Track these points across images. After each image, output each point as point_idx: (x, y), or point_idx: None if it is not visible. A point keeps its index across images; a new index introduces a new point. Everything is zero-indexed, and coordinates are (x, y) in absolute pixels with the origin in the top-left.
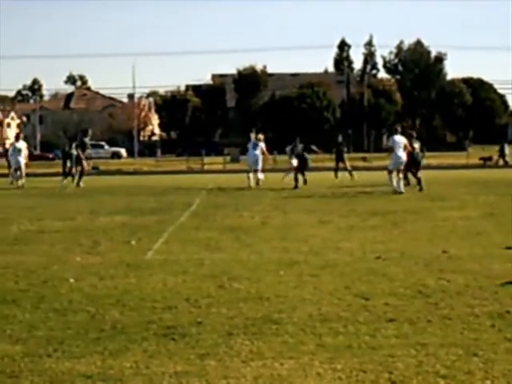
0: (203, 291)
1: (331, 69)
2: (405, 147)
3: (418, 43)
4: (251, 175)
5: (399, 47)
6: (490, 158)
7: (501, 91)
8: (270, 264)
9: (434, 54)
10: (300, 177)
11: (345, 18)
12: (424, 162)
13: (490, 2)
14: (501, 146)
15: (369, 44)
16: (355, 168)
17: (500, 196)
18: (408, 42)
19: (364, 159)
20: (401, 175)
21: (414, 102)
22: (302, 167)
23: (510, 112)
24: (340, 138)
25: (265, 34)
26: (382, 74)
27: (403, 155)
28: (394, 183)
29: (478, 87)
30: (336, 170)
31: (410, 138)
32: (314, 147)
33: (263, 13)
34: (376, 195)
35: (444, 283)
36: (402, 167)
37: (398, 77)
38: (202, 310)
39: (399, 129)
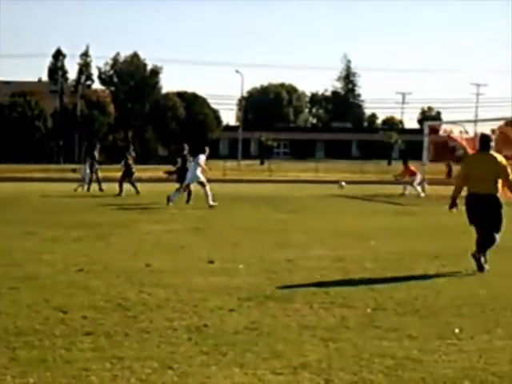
0: None
1: (45, 78)
2: None
3: (135, 55)
4: None
5: (115, 59)
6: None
7: (214, 106)
8: None
9: (150, 66)
10: None
11: (61, 27)
12: None
13: (205, 17)
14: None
15: (85, 54)
16: (65, 179)
17: (207, 210)
18: (124, 53)
19: (74, 170)
20: None
21: (127, 114)
22: None
23: (222, 127)
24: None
25: None
26: (97, 85)
27: None
28: None
29: (192, 101)
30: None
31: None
32: None
33: None
34: (84, 207)
35: (145, 296)
36: None
37: (113, 88)
38: None
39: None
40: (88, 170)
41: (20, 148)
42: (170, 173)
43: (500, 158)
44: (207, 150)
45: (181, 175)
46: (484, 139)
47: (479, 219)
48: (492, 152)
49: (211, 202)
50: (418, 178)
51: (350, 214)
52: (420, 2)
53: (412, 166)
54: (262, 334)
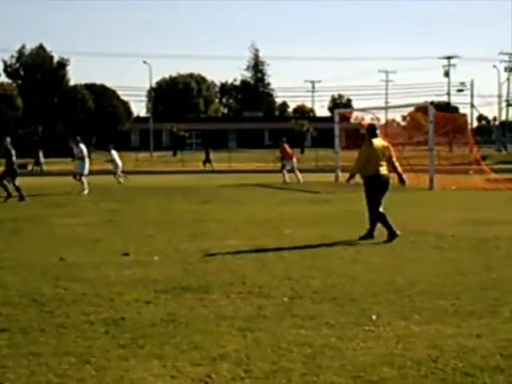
0: None
1: None
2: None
3: (41, 48)
4: None
5: (21, 51)
6: (24, 166)
7: (124, 98)
8: None
9: (56, 59)
10: None
11: None
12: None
13: (111, 9)
14: (36, 154)
15: None
16: None
17: (120, 203)
18: (30, 46)
19: None
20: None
21: (35, 108)
22: None
23: (133, 119)
24: None
25: None
26: (3, 79)
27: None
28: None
29: (101, 94)
30: None
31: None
32: None
33: None
34: None
35: (61, 291)
36: None
37: (20, 82)
38: None
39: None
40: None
41: None
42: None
43: (387, 143)
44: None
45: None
46: (373, 128)
47: (381, 196)
48: (380, 138)
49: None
50: (292, 163)
51: (265, 204)
52: None
53: (289, 149)
54: (180, 326)
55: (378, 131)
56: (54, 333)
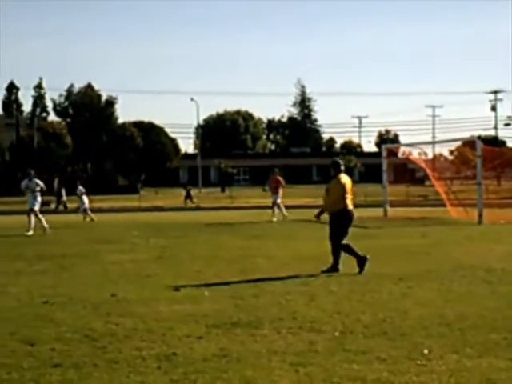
0: None
1: (0, 111)
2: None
3: (89, 86)
4: None
5: (69, 90)
6: (47, 203)
7: (172, 135)
8: None
9: (104, 97)
10: None
11: (14, 60)
12: None
13: (157, 47)
14: (58, 191)
15: (38, 87)
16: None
17: (170, 239)
18: (78, 85)
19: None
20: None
21: (84, 146)
22: None
23: (181, 155)
24: None
25: None
26: (53, 117)
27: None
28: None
29: (149, 131)
30: None
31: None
32: None
33: None
34: (44, 239)
35: (112, 327)
36: None
37: (69, 120)
38: None
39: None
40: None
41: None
42: None
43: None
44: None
45: None
46: (337, 163)
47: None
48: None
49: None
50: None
51: (313, 239)
52: (372, 25)
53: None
54: (232, 361)
55: (342, 166)
56: (106, 368)
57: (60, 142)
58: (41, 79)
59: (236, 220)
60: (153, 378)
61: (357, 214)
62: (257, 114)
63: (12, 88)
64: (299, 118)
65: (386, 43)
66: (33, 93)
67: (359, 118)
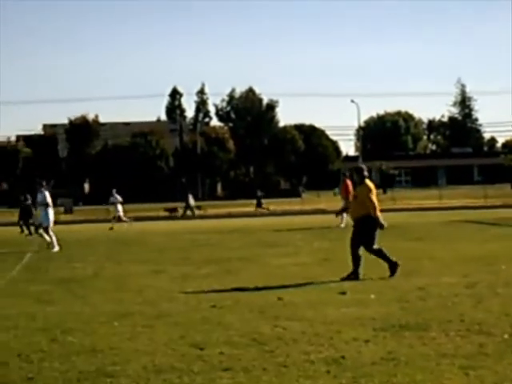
0: (35, 345)
1: (164, 117)
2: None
3: (250, 91)
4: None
5: (231, 95)
6: (175, 209)
7: (333, 137)
8: (104, 315)
9: (265, 101)
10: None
11: (176, 67)
12: None
13: (317, 49)
14: (186, 197)
15: (201, 92)
16: (188, 217)
17: (334, 241)
18: (240, 89)
19: (199, 208)
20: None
21: (247, 150)
22: None
23: (342, 158)
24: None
25: (96, 83)
26: (215, 122)
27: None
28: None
29: (310, 134)
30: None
31: None
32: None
33: (92, 62)
34: (209, 243)
35: (279, 330)
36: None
37: (231, 124)
38: (34, 365)
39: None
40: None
41: (143, 187)
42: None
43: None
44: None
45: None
46: (361, 169)
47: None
48: None
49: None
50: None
51: (477, 240)
52: None
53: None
54: (400, 364)
55: (366, 172)
56: (275, 372)
57: (222, 147)
58: (203, 85)
59: (398, 222)
60: (322, 382)
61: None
62: (417, 115)
63: (175, 94)
64: (460, 118)
65: None
66: (195, 98)
67: None
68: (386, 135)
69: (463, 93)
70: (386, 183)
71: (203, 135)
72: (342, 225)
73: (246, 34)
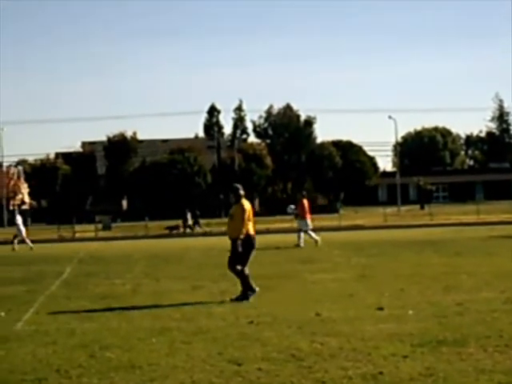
0: (74, 361)
1: (201, 134)
2: None
3: (288, 107)
4: None
5: (269, 111)
6: (176, 227)
7: (370, 153)
8: (142, 331)
9: (303, 117)
10: None
11: (214, 84)
12: None
13: (355, 65)
14: (184, 215)
15: (238, 109)
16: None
17: (371, 257)
18: (277, 106)
19: (198, 224)
20: None
21: (284, 166)
22: None
23: (379, 174)
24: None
25: (134, 100)
26: (253, 139)
27: None
28: None
29: (348, 150)
30: None
31: None
32: None
33: (130, 79)
34: None
35: (317, 346)
36: None
37: (269, 141)
38: (73, 380)
39: None
40: None
41: (181, 204)
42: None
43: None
44: None
45: None
46: (237, 188)
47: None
48: None
49: None
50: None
51: None
52: None
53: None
54: (439, 380)
55: (242, 191)
56: None
57: (260, 163)
58: (241, 101)
59: (436, 237)
60: None
61: None
62: (455, 130)
63: (213, 111)
64: (497, 133)
65: None
66: (233, 115)
67: None
68: (423, 151)
69: (501, 108)
70: (423, 199)
71: (241, 152)
72: (301, 244)
73: (283, 51)
